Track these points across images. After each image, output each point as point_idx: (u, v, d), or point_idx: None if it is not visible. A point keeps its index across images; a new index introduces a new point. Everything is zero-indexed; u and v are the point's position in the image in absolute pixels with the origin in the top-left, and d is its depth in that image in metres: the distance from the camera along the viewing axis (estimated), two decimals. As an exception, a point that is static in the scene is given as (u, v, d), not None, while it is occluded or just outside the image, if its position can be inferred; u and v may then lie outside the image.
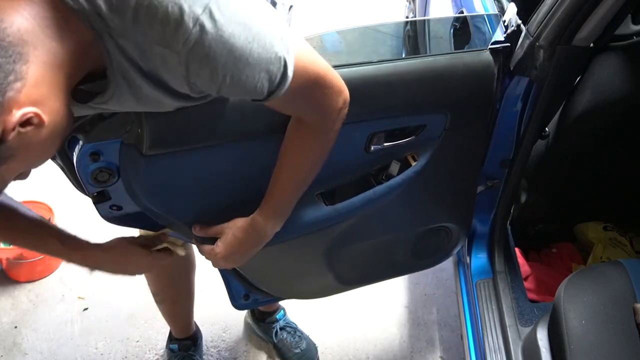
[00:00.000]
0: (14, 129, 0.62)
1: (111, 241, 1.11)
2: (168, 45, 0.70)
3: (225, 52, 0.71)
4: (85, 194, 1.05)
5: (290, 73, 0.79)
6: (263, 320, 1.81)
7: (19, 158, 0.65)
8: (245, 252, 1.09)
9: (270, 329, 1.80)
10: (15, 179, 0.71)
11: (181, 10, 0.67)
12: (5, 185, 0.69)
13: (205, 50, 0.70)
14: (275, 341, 1.79)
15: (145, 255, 1.12)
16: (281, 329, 1.80)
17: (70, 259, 1.09)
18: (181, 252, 1.18)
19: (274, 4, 1.13)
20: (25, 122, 0.63)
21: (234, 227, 1.06)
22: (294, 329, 1.81)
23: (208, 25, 0.69)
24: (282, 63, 0.78)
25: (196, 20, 0.68)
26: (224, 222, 1.09)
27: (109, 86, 0.75)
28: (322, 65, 0.87)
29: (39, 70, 0.64)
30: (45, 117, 0.64)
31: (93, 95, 0.76)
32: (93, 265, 1.11)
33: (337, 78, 0.90)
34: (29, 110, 0.63)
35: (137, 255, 1.12)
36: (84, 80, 0.73)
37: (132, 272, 1.17)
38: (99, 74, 0.74)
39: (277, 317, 1.81)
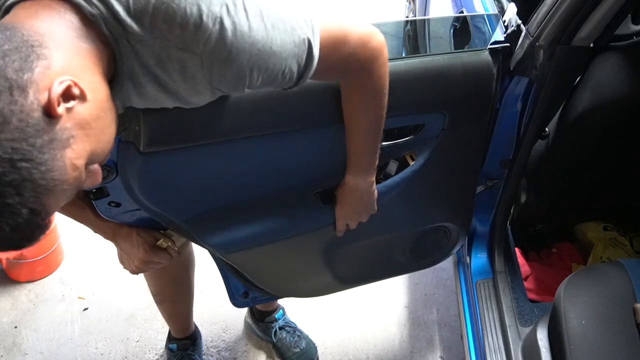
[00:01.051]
0: (59, 103, 0.61)
1: (123, 227, 1.14)
2: (188, 48, 0.69)
3: (247, 46, 0.71)
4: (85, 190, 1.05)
5: (316, 53, 0.79)
6: (262, 320, 1.81)
7: (80, 139, 0.64)
8: (365, 208, 1.17)
9: (269, 328, 1.80)
10: (86, 183, 0.69)
11: (199, 10, 0.67)
12: (83, 175, 0.66)
13: (227, 49, 0.70)
14: (275, 341, 1.79)
15: (144, 249, 1.14)
16: (280, 328, 1.80)
17: (97, 229, 1.15)
18: (179, 242, 1.21)
19: None
20: (67, 95, 0.62)
21: (345, 199, 1.15)
22: (293, 329, 1.81)
23: (227, 22, 0.69)
24: (307, 45, 0.78)
25: (215, 19, 0.68)
26: (222, 222, 1.09)
27: (114, 89, 0.74)
28: (342, 27, 0.85)
29: (63, 54, 0.64)
30: (85, 90, 0.64)
31: None
32: (108, 239, 1.17)
33: (361, 30, 0.88)
34: (64, 78, 0.62)
35: (135, 246, 1.13)
36: None
37: (127, 265, 1.19)
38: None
39: (276, 316, 1.81)
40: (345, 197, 1.15)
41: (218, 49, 0.70)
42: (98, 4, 0.67)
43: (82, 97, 0.64)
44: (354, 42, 0.88)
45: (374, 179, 1.13)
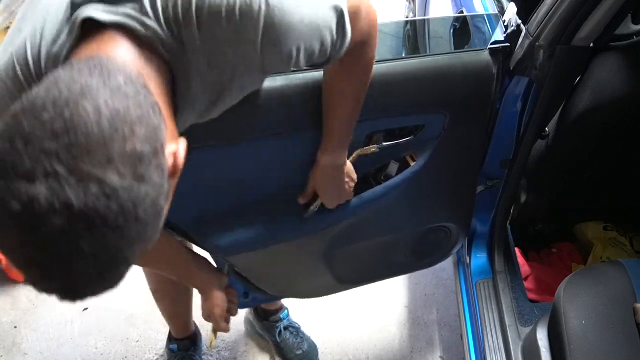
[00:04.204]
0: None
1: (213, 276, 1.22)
2: (241, 39, 0.68)
3: (296, 23, 0.70)
4: None
5: (348, 28, 0.79)
6: (267, 319, 1.80)
7: (171, 195, 0.63)
8: (339, 187, 1.12)
9: (273, 328, 1.79)
10: None
11: None
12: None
13: (277, 29, 0.68)
14: (279, 341, 1.78)
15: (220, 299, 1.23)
16: (285, 329, 1.79)
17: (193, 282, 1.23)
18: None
19: None
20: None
21: (316, 180, 1.10)
22: (296, 330, 1.81)
23: (272, 1, 0.67)
24: (339, 15, 0.76)
25: (259, 1, 0.67)
26: (222, 225, 1.09)
27: (178, 112, 0.73)
28: (363, 1, 0.85)
29: (160, 100, 0.63)
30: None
31: None
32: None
33: (365, 1, 0.87)
34: (183, 140, 0.62)
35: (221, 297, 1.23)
36: None
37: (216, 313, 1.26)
38: None
39: (282, 316, 1.80)
40: (318, 178, 1.11)
41: (269, 32, 0.68)
42: (154, 26, 0.64)
43: (182, 157, 0.63)
44: (364, 14, 0.86)
45: (346, 158, 1.09)
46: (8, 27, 3.32)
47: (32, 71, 0.68)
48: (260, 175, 1.10)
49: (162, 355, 1.81)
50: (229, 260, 1.21)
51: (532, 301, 1.43)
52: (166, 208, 0.60)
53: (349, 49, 0.87)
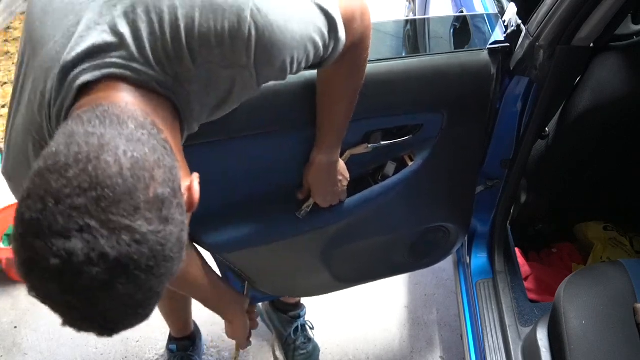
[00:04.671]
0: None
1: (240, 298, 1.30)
2: (233, 63, 0.69)
3: (287, 40, 0.71)
4: None
5: (341, 32, 0.80)
6: (285, 312, 1.78)
7: (188, 222, 0.65)
8: (332, 184, 1.14)
9: (291, 323, 1.77)
10: None
11: (230, 22, 0.67)
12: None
13: (269, 50, 0.70)
14: (293, 337, 1.76)
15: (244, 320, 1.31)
16: (302, 327, 1.78)
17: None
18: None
19: None
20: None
21: (310, 178, 1.12)
22: (308, 330, 1.80)
23: (261, 23, 0.68)
24: (330, 19, 0.78)
25: (248, 24, 0.67)
26: (219, 222, 1.10)
27: (184, 131, 0.75)
28: (351, 3, 0.86)
29: (168, 134, 0.65)
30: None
31: None
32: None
33: (360, 3, 0.88)
34: (195, 175, 0.66)
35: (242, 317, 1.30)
36: None
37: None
38: None
39: (301, 313, 1.78)
40: (312, 176, 1.12)
41: (260, 53, 0.69)
42: (144, 69, 0.66)
43: (196, 191, 0.66)
44: (359, 17, 0.88)
45: (338, 156, 1.11)
46: (9, 27, 3.31)
47: (44, 132, 0.70)
48: (254, 173, 1.10)
49: (162, 355, 1.81)
50: (226, 257, 1.22)
51: (532, 301, 1.43)
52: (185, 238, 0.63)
53: (343, 50, 0.88)
